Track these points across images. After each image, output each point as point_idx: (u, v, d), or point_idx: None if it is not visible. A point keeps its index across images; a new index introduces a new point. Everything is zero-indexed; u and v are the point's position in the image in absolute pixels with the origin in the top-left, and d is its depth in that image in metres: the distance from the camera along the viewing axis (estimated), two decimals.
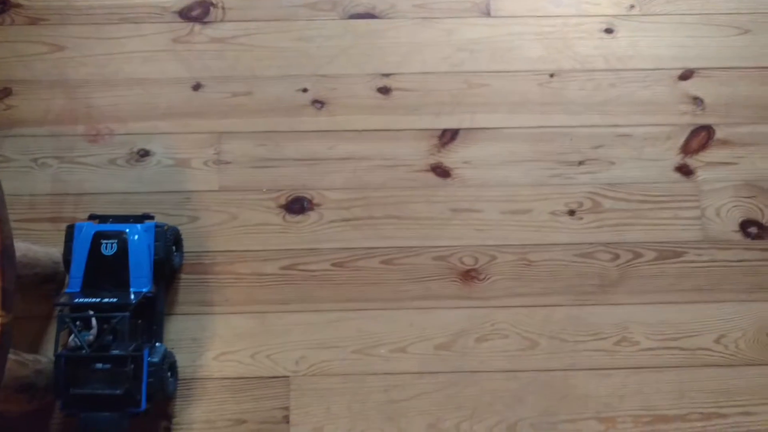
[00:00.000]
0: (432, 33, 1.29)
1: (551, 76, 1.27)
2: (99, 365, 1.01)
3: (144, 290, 1.06)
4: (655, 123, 1.24)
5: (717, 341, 1.14)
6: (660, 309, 1.16)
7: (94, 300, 1.03)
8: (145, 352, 1.04)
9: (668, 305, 1.16)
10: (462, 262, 1.18)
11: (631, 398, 1.12)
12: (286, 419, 1.11)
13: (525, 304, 1.16)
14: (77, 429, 1.01)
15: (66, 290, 1.06)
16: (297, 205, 1.20)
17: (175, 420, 1.10)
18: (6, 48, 1.27)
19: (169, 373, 1.08)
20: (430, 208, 1.20)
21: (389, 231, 1.19)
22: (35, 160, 1.22)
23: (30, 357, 1.07)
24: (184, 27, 1.29)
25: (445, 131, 1.24)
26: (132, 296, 1.05)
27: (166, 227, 1.11)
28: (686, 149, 1.23)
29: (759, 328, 1.15)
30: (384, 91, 1.26)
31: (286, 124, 1.24)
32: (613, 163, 1.22)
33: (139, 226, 1.09)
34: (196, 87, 1.26)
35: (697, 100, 1.26)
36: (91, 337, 1.02)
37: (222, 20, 1.29)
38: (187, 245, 1.18)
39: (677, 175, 1.22)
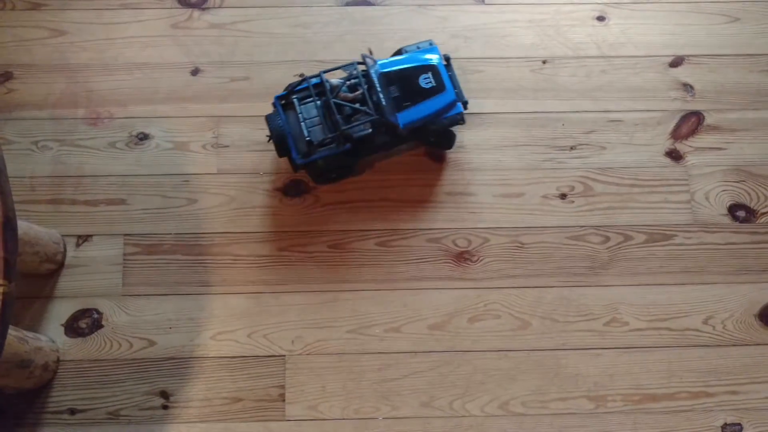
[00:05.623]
0: (427, 20, 1.31)
1: (544, 62, 1.29)
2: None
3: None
4: (645, 109, 1.27)
5: (705, 322, 1.17)
6: (649, 290, 1.18)
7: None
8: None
9: (657, 287, 1.18)
10: (455, 244, 1.20)
11: (620, 377, 1.14)
12: (282, 397, 1.13)
13: (517, 285, 1.18)
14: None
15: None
16: (294, 188, 1.22)
17: (172, 398, 1.12)
18: (7, 32, 1.29)
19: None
20: (425, 192, 1.22)
21: (384, 214, 1.21)
22: (36, 142, 1.24)
23: (30, 334, 1.09)
24: (183, 13, 1.31)
25: None
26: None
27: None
28: (676, 134, 1.25)
29: (746, 310, 1.17)
30: None
31: None
32: (604, 148, 1.24)
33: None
34: (195, 72, 1.28)
35: (687, 87, 1.28)
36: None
37: (220, 6, 1.31)
38: (186, 227, 1.20)
39: (667, 160, 1.24)
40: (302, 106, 1.15)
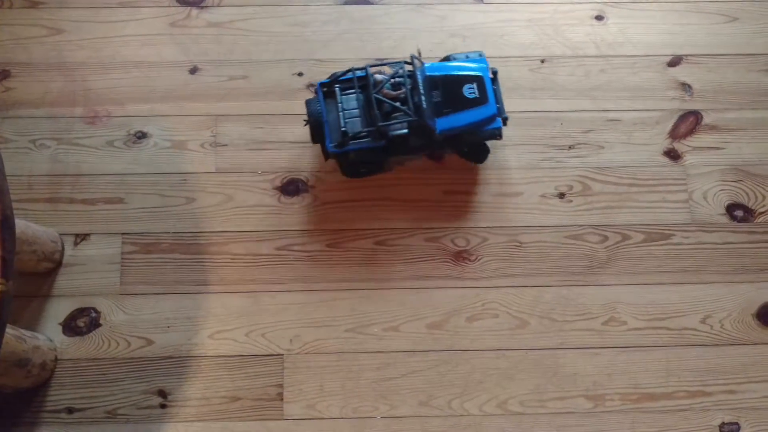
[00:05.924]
0: (426, 19, 1.31)
1: (542, 61, 1.29)
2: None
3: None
4: (644, 108, 1.27)
5: (703, 321, 1.17)
6: (647, 290, 1.18)
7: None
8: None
9: (655, 286, 1.18)
10: (454, 243, 1.20)
11: (618, 377, 1.14)
12: (280, 396, 1.13)
13: (515, 284, 1.18)
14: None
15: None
16: (292, 187, 1.22)
17: (170, 397, 1.12)
18: (5, 31, 1.29)
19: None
20: (424, 191, 1.22)
21: (383, 213, 1.21)
22: (33, 141, 1.23)
23: (28, 333, 1.09)
24: (182, 11, 1.31)
25: None
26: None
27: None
28: (674, 134, 1.26)
29: (743, 309, 1.17)
30: None
31: (281, 108, 1.26)
32: (602, 147, 1.24)
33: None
34: (193, 70, 1.28)
35: (685, 86, 1.28)
36: (400, 95, 1.13)
37: (219, 5, 1.31)
38: (184, 226, 1.20)
39: (665, 160, 1.24)
40: (343, 97, 1.15)
